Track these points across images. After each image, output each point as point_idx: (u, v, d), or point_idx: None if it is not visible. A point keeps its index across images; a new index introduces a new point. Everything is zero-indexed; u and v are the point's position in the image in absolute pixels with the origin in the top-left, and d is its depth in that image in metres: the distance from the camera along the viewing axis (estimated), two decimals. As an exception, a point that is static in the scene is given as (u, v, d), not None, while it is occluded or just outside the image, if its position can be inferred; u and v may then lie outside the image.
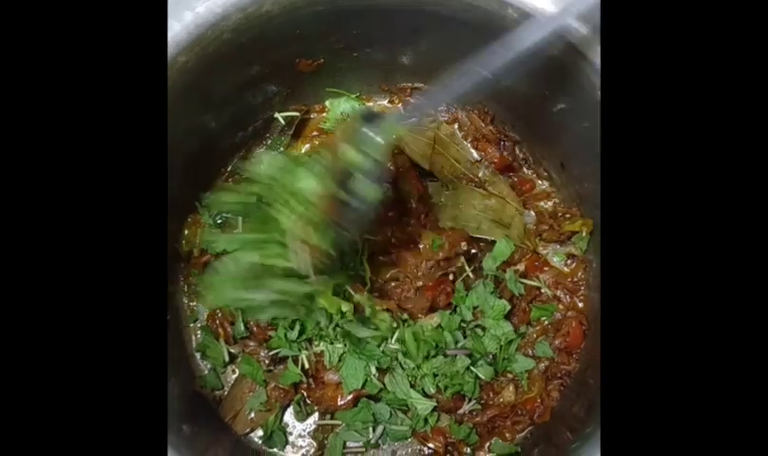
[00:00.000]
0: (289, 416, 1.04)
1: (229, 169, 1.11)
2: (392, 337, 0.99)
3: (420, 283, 1.03)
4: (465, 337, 1.02)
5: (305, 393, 1.03)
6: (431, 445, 1.01)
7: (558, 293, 1.07)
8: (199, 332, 1.07)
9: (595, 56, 0.84)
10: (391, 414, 1.00)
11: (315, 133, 1.15)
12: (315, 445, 1.03)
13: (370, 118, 0.84)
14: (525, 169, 1.13)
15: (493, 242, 1.06)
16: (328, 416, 1.03)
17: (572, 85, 0.90)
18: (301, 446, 1.04)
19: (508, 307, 1.02)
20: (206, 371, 1.06)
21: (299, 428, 1.04)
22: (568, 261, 1.09)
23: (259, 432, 1.03)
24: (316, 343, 1.00)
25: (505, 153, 1.12)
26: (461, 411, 1.01)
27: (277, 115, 1.12)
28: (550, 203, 1.11)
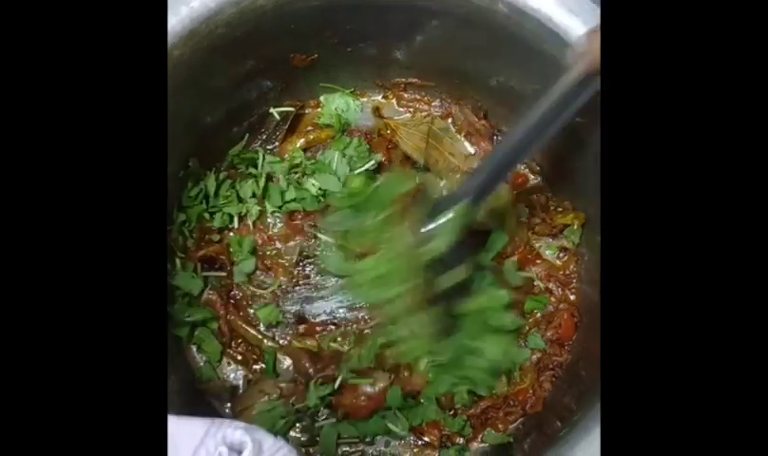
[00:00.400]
0: (286, 408, 1.05)
1: (225, 165, 1.11)
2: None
3: (415, 276, 1.04)
4: (459, 330, 1.02)
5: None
6: (425, 438, 1.02)
7: (550, 285, 1.08)
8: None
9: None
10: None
11: (309, 128, 1.15)
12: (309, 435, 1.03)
13: (437, 206, 0.87)
14: (518, 163, 1.14)
15: (487, 236, 1.07)
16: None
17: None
18: (297, 438, 1.04)
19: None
20: (201, 363, 1.07)
21: (294, 419, 1.05)
22: (561, 254, 1.09)
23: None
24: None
25: (498, 147, 1.13)
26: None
27: (272, 110, 1.12)
28: (543, 197, 1.11)
